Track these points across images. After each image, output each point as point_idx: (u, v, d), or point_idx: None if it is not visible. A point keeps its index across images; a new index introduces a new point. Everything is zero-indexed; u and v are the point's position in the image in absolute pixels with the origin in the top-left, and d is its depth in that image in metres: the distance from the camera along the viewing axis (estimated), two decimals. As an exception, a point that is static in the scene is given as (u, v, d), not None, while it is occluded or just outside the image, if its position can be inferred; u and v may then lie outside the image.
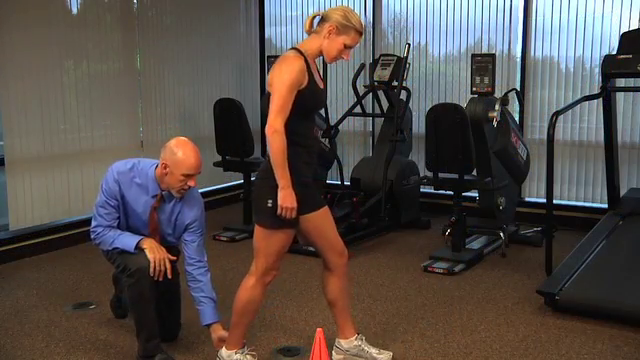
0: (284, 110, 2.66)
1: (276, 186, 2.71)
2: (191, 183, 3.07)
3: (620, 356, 3.29)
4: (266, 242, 2.87)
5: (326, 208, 3.00)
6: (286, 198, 2.69)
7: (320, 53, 2.83)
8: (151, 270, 3.03)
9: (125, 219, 3.19)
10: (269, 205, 2.76)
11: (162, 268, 3.06)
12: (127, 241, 3.11)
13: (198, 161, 3.06)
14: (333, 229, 3.02)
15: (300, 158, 2.80)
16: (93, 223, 3.18)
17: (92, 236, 3.20)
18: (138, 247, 3.08)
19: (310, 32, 2.85)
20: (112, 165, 3.19)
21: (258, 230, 2.88)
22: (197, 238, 3.22)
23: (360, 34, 2.82)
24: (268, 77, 2.79)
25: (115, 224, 3.16)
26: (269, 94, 2.79)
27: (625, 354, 3.31)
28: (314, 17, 2.85)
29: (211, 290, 3.20)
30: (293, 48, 2.81)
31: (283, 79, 2.68)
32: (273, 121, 2.65)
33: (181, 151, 3.03)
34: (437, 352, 3.35)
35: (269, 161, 2.72)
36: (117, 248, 3.12)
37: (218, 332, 3.18)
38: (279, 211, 2.72)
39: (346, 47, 2.81)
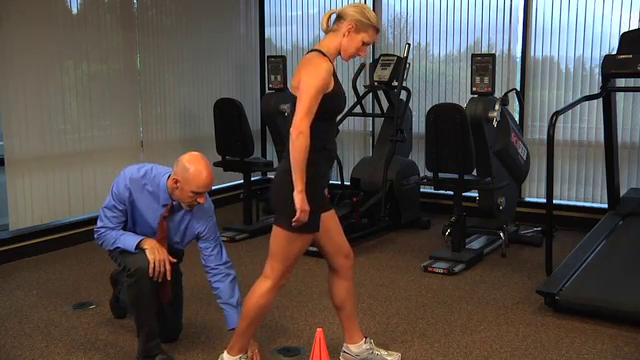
0: (311, 113, 2.63)
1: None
2: (200, 200, 3.05)
3: (620, 356, 3.29)
4: (288, 246, 2.81)
5: (333, 210, 2.99)
6: (304, 201, 2.65)
7: (339, 52, 2.80)
8: (150, 271, 3.03)
9: (133, 224, 3.19)
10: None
11: (162, 269, 3.05)
12: (128, 241, 3.10)
13: (209, 179, 3.02)
14: (340, 231, 3.01)
15: (326, 162, 2.81)
16: (99, 224, 3.18)
17: (95, 235, 3.20)
18: (139, 247, 3.08)
19: (327, 31, 2.82)
20: (125, 169, 3.17)
21: (280, 234, 2.80)
22: (210, 245, 3.19)
23: (377, 31, 2.81)
24: (293, 80, 2.75)
25: (120, 228, 3.16)
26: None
27: (625, 354, 3.31)
28: (330, 15, 2.82)
29: (229, 296, 3.15)
30: (314, 49, 2.78)
31: (311, 82, 2.64)
32: (299, 123, 2.61)
33: (193, 167, 2.99)
34: (437, 352, 3.35)
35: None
36: (118, 248, 3.12)
37: None
38: (298, 214, 2.65)
39: (364, 44, 2.80)
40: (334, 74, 2.74)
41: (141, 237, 3.12)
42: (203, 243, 3.20)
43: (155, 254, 3.05)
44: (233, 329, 3.10)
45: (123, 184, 3.12)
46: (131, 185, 3.11)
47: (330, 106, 2.73)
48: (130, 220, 3.18)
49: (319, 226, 2.80)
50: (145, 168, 3.17)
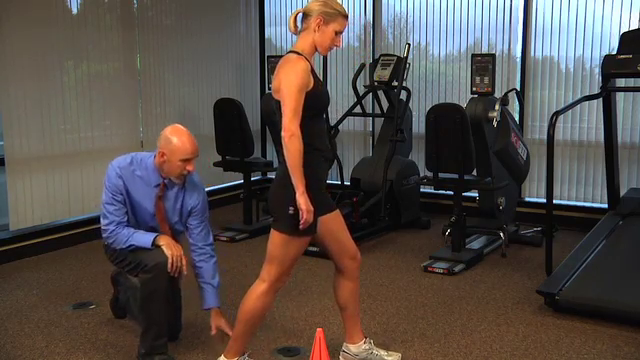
0: (298, 113, 2.64)
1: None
2: (190, 167, 3.11)
3: (620, 356, 3.29)
4: (285, 249, 2.81)
5: (337, 211, 2.98)
6: (307, 202, 2.65)
7: (315, 49, 2.80)
8: (169, 266, 3.05)
9: (132, 213, 3.20)
10: (291, 212, 2.70)
11: (179, 265, 3.09)
12: (143, 238, 3.12)
13: (193, 145, 3.11)
14: (345, 232, 3.00)
15: (319, 163, 2.80)
16: (104, 222, 3.17)
17: (105, 235, 3.18)
18: (154, 244, 3.10)
19: (296, 32, 2.83)
20: (111, 162, 3.21)
21: (277, 237, 2.81)
22: (200, 223, 3.25)
23: (346, 17, 2.81)
24: (273, 83, 2.76)
25: (126, 219, 3.16)
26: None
27: (625, 354, 3.31)
28: (296, 16, 2.83)
29: (211, 276, 3.22)
30: (291, 51, 2.79)
31: (291, 82, 2.65)
32: (289, 125, 2.61)
33: (176, 138, 3.08)
34: (437, 352, 3.35)
35: (287, 166, 2.67)
36: (132, 245, 3.12)
37: (216, 319, 3.22)
38: (301, 215, 2.65)
39: (337, 34, 2.80)
40: (312, 72, 2.75)
41: (155, 234, 3.14)
42: (193, 220, 3.25)
43: (172, 250, 3.09)
44: (210, 308, 3.19)
45: (114, 174, 3.15)
46: (122, 173, 3.15)
47: (314, 103, 2.73)
48: (129, 210, 3.19)
49: (316, 228, 2.80)
50: (130, 155, 3.23)
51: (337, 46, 2.85)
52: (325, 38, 2.78)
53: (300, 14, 2.81)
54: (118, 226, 3.14)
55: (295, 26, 2.82)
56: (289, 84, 2.65)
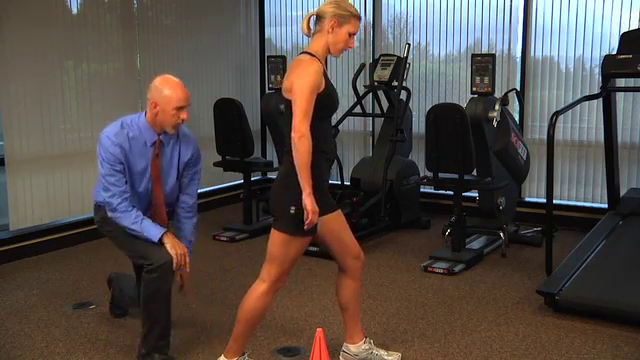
0: (309, 114, 2.64)
1: (299, 192, 2.66)
2: (184, 116, 3.11)
3: (620, 356, 3.29)
4: (285, 249, 2.82)
5: (339, 211, 2.98)
6: (313, 203, 2.65)
7: (328, 51, 2.82)
8: (174, 265, 3.07)
9: (129, 177, 3.15)
10: (292, 212, 2.71)
11: (183, 263, 3.11)
12: (151, 230, 3.10)
13: (185, 93, 3.12)
14: (347, 231, 3.00)
15: (322, 165, 2.81)
16: (107, 194, 3.10)
17: (110, 207, 3.11)
18: (160, 240, 3.10)
19: (309, 34, 2.85)
20: (102, 133, 3.13)
21: (278, 237, 2.82)
22: (194, 175, 3.31)
23: (359, 18, 2.83)
24: (284, 83, 2.77)
25: (127, 188, 3.12)
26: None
27: (625, 354, 3.31)
28: (309, 18, 2.85)
29: (191, 233, 3.33)
30: (304, 52, 2.80)
31: (304, 83, 2.66)
32: (299, 125, 2.62)
33: (167, 88, 3.09)
34: (437, 352, 3.35)
35: (290, 166, 2.69)
36: (135, 230, 3.09)
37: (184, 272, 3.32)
38: (306, 216, 2.66)
39: (350, 35, 2.82)
40: (324, 74, 2.76)
41: (163, 230, 3.13)
42: (188, 173, 3.29)
43: (177, 249, 3.10)
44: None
45: (110, 143, 3.08)
46: (118, 141, 3.08)
47: (324, 105, 2.74)
48: (128, 177, 3.14)
49: (317, 228, 2.81)
50: (119, 120, 3.18)
51: (350, 47, 2.86)
52: (338, 40, 2.80)
53: (314, 17, 2.83)
54: (123, 198, 3.09)
55: (308, 28, 2.85)
56: (301, 85, 2.66)
